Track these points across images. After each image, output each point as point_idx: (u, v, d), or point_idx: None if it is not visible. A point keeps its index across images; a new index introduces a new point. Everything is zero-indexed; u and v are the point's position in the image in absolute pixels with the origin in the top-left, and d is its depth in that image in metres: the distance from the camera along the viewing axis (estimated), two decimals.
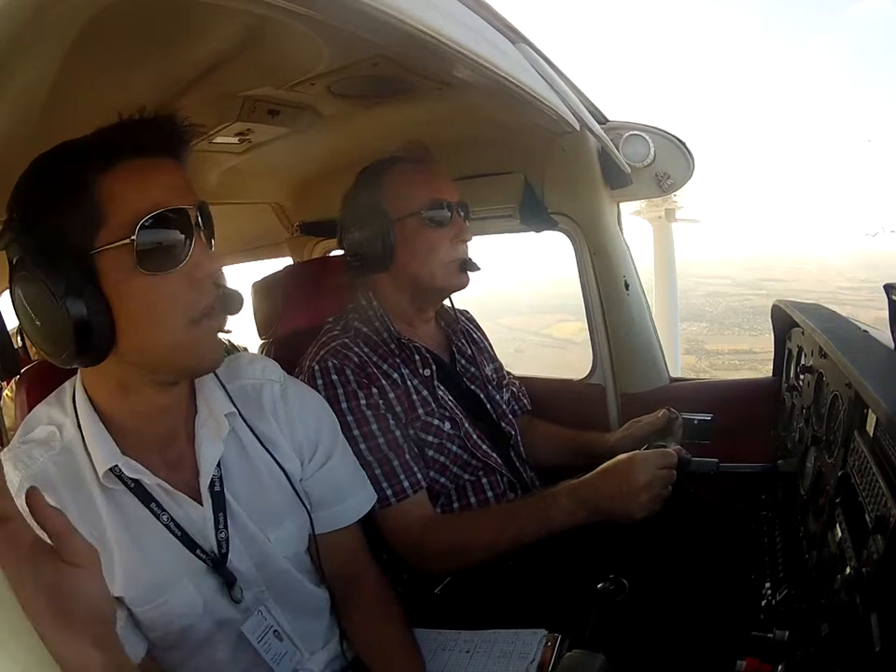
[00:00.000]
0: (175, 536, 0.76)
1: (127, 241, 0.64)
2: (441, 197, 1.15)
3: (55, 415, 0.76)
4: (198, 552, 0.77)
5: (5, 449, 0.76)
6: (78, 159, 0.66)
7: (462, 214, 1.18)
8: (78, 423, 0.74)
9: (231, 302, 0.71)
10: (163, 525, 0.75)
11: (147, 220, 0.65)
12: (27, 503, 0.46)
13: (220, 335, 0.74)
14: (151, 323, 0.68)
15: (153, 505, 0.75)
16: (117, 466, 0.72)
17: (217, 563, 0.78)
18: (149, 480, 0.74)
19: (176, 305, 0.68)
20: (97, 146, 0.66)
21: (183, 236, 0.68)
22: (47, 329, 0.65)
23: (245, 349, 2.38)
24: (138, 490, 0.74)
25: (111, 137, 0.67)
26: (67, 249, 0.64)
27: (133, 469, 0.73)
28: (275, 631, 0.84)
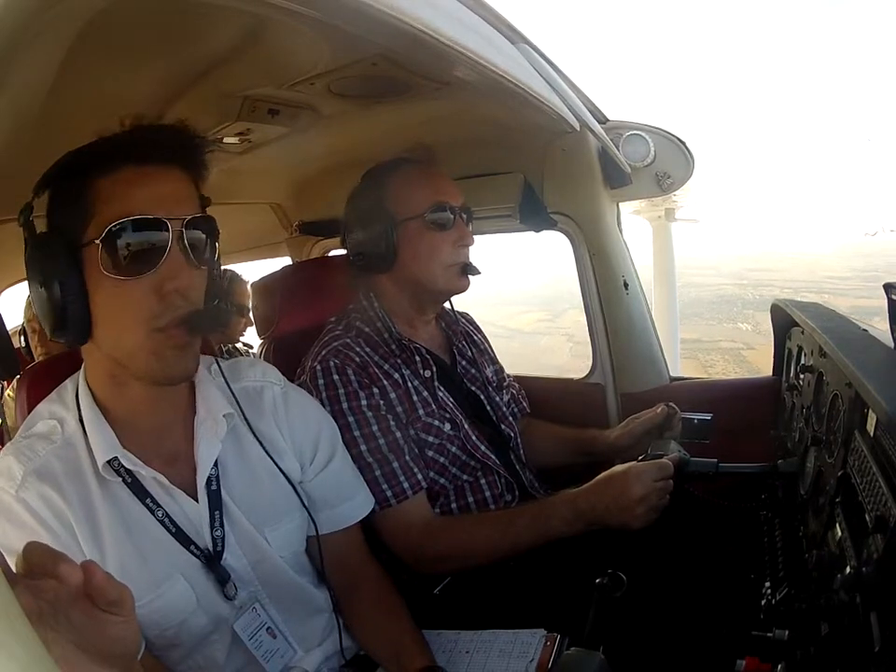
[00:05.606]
0: (170, 532, 0.76)
1: (97, 241, 0.67)
2: (445, 200, 1.15)
3: (57, 410, 0.77)
4: (192, 548, 0.77)
5: (8, 444, 0.77)
6: (88, 158, 0.70)
7: (465, 217, 1.18)
8: (80, 417, 0.75)
9: (198, 323, 0.71)
10: (158, 520, 0.76)
11: (114, 225, 0.67)
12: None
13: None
14: (116, 322, 0.71)
15: (149, 501, 0.76)
16: (116, 458, 0.73)
17: (211, 560, 0.78)
18: (145, 471, 0.75)
19: (138, 313, 0.69)
20: (104, 149, 0.69)
21: (154, 246, 0.68)
22: (38, 304, 0.70)
23: (251, 347, 2.40)
24: (135, 486, 0.75)
25: (118, 142, 0.69)
26: (62, 238, 0.69)
27: (130, 461, 0.74)
28: (268, 628, 0.84)
